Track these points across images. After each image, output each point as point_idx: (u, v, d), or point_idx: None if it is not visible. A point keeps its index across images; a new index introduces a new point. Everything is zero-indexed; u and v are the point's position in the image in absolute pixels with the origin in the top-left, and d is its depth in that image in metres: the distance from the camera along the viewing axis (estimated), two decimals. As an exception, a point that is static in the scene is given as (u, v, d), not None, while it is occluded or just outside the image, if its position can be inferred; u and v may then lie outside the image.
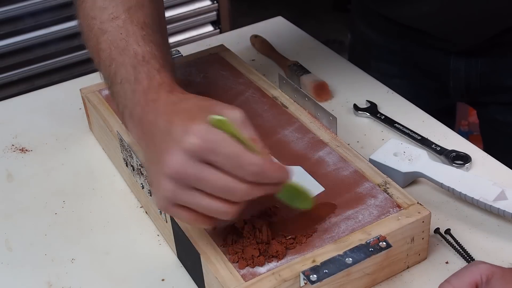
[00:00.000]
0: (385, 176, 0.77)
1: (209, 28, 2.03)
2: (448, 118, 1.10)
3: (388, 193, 0.74)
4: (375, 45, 1.16)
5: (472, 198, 0.79)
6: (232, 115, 0.62)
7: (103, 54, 0.73)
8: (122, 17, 0.74)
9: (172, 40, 1.93)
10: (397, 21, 1.03)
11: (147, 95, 0.67)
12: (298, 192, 0.69)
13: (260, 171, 0.60)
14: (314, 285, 0.64)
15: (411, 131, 0.94)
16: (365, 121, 0.99)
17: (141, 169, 0.77)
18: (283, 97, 0.92)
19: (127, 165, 0.84)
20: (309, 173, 0.78)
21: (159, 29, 0.77)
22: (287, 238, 0.68)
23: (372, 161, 0.84)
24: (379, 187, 0.75)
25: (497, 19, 0.93)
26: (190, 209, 0.62)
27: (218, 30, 2.03)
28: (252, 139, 0.62)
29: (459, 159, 0.88)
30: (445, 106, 1.16)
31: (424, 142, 0.92)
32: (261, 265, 0.66)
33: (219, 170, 0.59)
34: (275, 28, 1.26)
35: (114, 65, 0.71)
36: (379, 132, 0.96)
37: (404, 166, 0.83)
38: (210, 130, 0.59)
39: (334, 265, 0.65)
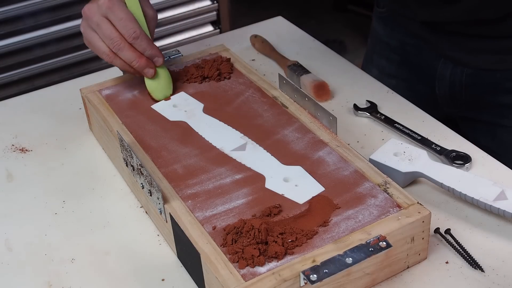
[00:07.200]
0: (385, 176, 0.77)
1: (209, 28, 2.03)
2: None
3: (388, 193, 0.74)
4: (378, 39, 1.15)
5: (472, 198, 0.79)
6: (147, 10, 0.91)
7: None
8: None
9: (172, 40, 1.93)
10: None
11: None
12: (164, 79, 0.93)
13: (136, 36, 0.86)
14: (314, 285, 0.64)
15: (411, 131, 0.94)
16: (365, 121, 0.99)
17: (141, 169, 0.77)
18: (283, 97, 0.92)
19: (127, 165, 0.84)
20: (309, 173, 0.78)
21: None
22: (288, 241, 0.68)
23: (372, 161, 0.84)
24: (379, 187, 0.75)
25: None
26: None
27: (218, 30, 2.03)
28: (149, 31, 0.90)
29: (459, 159, 0.88)
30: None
31: (424, 142, 0.92)
32: (261, 265, 0.66)
33: (112, 25, 0.86)
34: (275, 28, 1.26)
35: None
36: (379, 132, 0.96)
37: (404, 166, 0.83)
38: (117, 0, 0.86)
39: (334, 265, 0.65)
